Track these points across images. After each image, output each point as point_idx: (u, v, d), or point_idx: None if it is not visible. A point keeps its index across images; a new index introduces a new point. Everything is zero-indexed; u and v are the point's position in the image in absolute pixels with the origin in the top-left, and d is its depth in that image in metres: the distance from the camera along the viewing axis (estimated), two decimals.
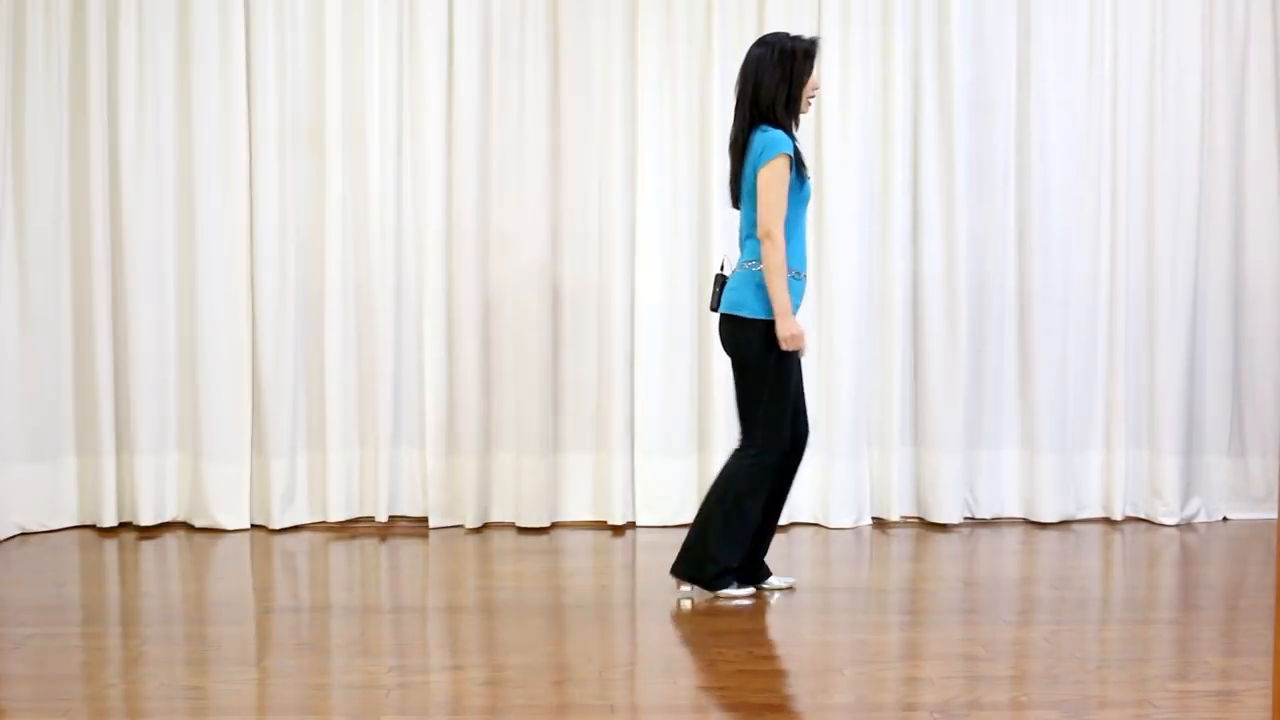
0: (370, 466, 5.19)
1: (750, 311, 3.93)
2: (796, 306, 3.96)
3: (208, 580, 4.48)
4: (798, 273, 3.98)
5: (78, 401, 5.10)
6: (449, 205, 5.15)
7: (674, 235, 5.17)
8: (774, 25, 5.11)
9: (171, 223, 5.11)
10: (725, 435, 5.14)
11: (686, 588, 4.11)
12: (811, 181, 4.11)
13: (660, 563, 4.67)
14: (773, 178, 3.87)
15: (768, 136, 3.90)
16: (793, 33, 4.12)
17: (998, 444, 5.26)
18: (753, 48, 4.02)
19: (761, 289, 3.91)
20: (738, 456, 4.03)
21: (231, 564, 4.69)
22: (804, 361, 5.17)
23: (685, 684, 3.30)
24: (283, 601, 4.18)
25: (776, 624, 3.86)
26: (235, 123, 5.06)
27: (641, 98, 5.14)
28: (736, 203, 4.07)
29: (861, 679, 3.34)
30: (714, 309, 4.07)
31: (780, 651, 3.59)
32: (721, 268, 4.14)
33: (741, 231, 4.05)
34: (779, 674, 3.38)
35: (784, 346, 3.91)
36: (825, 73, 5.12)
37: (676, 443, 5.20)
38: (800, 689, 3.26)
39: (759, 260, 3.91)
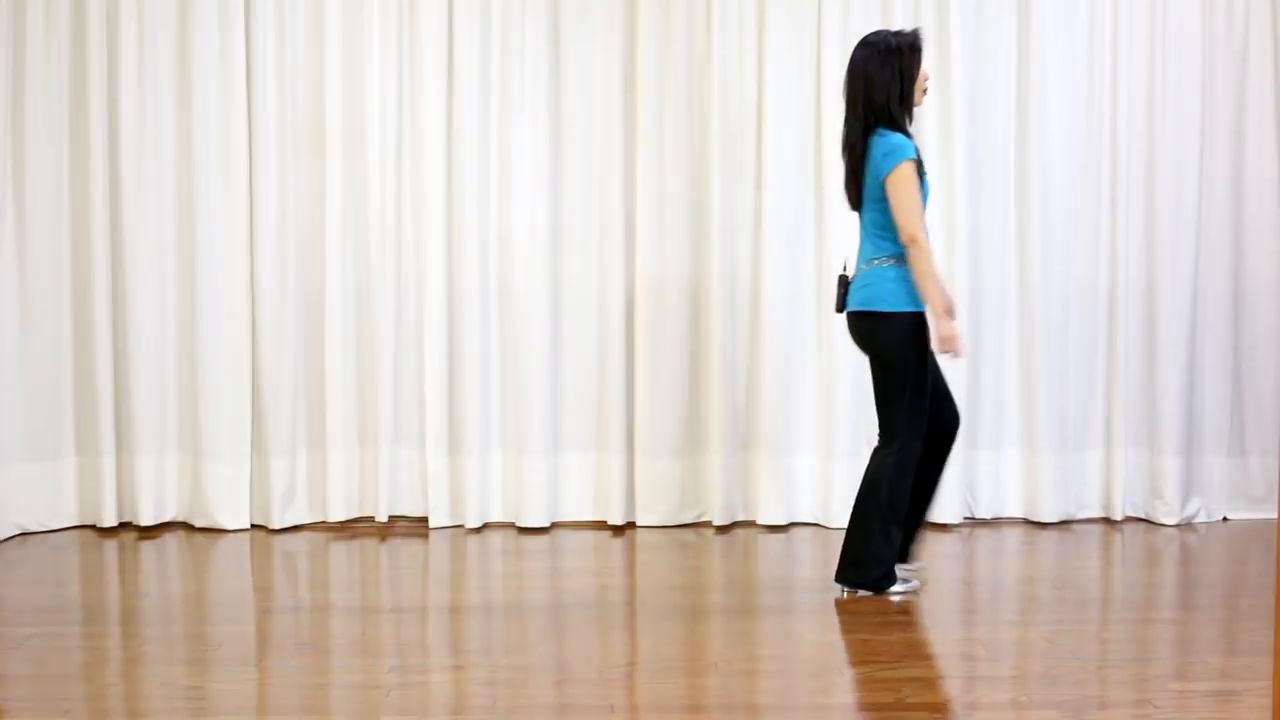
0: (370, 466, 5.19)
1: (887, 305, 3.95)
2: (922, 303, 4.00)
3: (208, 580, 4.49)
4: None
5: (78, 401, 5.10)
6: (449, 205, 5.15)
7: (674, 235, 5.17)
8: (774, 25, 5.12)
9: (171, 223, 5.11)
10: (725, 435, 5.15)
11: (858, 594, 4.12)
12: (929, 179, 4.16)
13: (660, 563, 4.67)
14: (902, 183, 3.90)
15: (888, 141, 3.92)
16: (893, 29, 4.15)
17: (998, 444, 5.26)
18: (857, 49, 4.04)
19: (895, 283, 3.94)
20: (880, 456, 4.03)
21: (231, 564, 4.69)
22: (803, 360, 5.20)
23: (685, 684, 3.30)
24: (283, 601, 4.18)
25: (776, 624, 3.86)
26: (235, 123, 5.06)
27: (641, 98, 5.14)
28: (854, 205, 4.08)
29: (861, 679, 3.34)
30: (839, 310, 4.09)
31: (780, 651, 3.59)
32: (844, 268, 4.16)
33: (865, 232, 4.06)
34: (779, 674, 3.39)
35: (942, 349, 3.93)
36: (825, 72, 5.12)
37: (676, 443, 5.20)
38: (800, 689, 3.26)
39: (888, 256, 3.96)
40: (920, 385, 4.00)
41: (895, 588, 4.09)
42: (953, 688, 3.26)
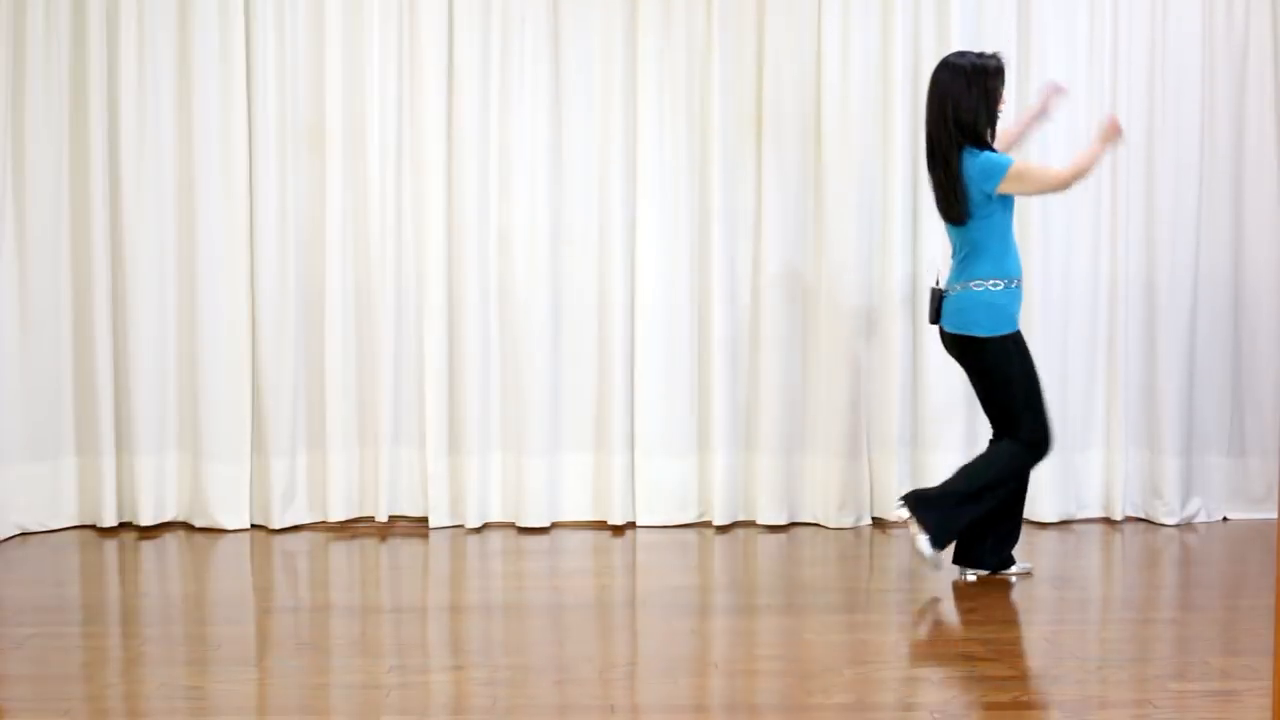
0: (370, 466, 5.19)
1: (984, 331, 4.13)
2: (1017, 313, 4.17)
3: (208, 580, 4.49)
4: (1020, 280, 4.17)
5: (78, 401, 5.10)
6: (449, 205, 5.15)
7: (674, 235, 5.17)
8: (774, 25, 5.11)
9: (171, 223, 5.11)
10: (725, 435, 5.15)
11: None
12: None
13: (660, 563, 4.67)
14: (1022, 180, 4.09)
15: (981, 163, 4.08)
16: (975, 50, 4.32)
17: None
18: (940, 70, 4.19)
19: (988, 308, 4.11)
20: (1007, 443, 4.20)
21: (231, 564, 4.69)
22: (805, 360, 5.20)
23: (685, 684, 3.30)
24: (283, 601, 4.18)
25: (776, 624, 3.86)
26: (235, 123, 5.06)
27: (641, 98, 5.14)
28: (952, 218, 4.18)
29: (861, 679, 3.34)
30: (933, 322, 4.27)
31: (780, 651, 3.59)
32: (937, 282, 4.33)
33: (959, 251, 4.21)
34: (779, 674, 3.39)
35: (1112, 136, 4.16)
36: (825, 72, 5.12)
37: (676, 443, 5.20)
38: (800, 689, 3.26)
39: (980, 279, 4.11)
40: (1031, 396, 4.17)
41: (935, 553, 4.13)
42: (953, 688, 3.26)
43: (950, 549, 4.30)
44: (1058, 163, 4.81)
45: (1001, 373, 4.15)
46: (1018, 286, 4.17)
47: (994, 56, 4.19)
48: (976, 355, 4.17)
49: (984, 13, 5.17)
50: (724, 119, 5.13)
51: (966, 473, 4.21)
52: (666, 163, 5.16)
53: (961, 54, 4.22)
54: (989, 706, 3.12)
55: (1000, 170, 4.05)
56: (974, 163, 4.08)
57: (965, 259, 4.18)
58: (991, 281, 4.12)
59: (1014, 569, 4.34)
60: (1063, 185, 4.14)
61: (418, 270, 5.17)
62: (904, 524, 4.27)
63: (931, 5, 5.15)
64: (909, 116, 5.15)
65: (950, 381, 5.13)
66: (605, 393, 5.19)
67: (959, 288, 4.17)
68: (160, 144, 5.08)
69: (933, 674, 3.38)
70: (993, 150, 4.14)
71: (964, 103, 4.11)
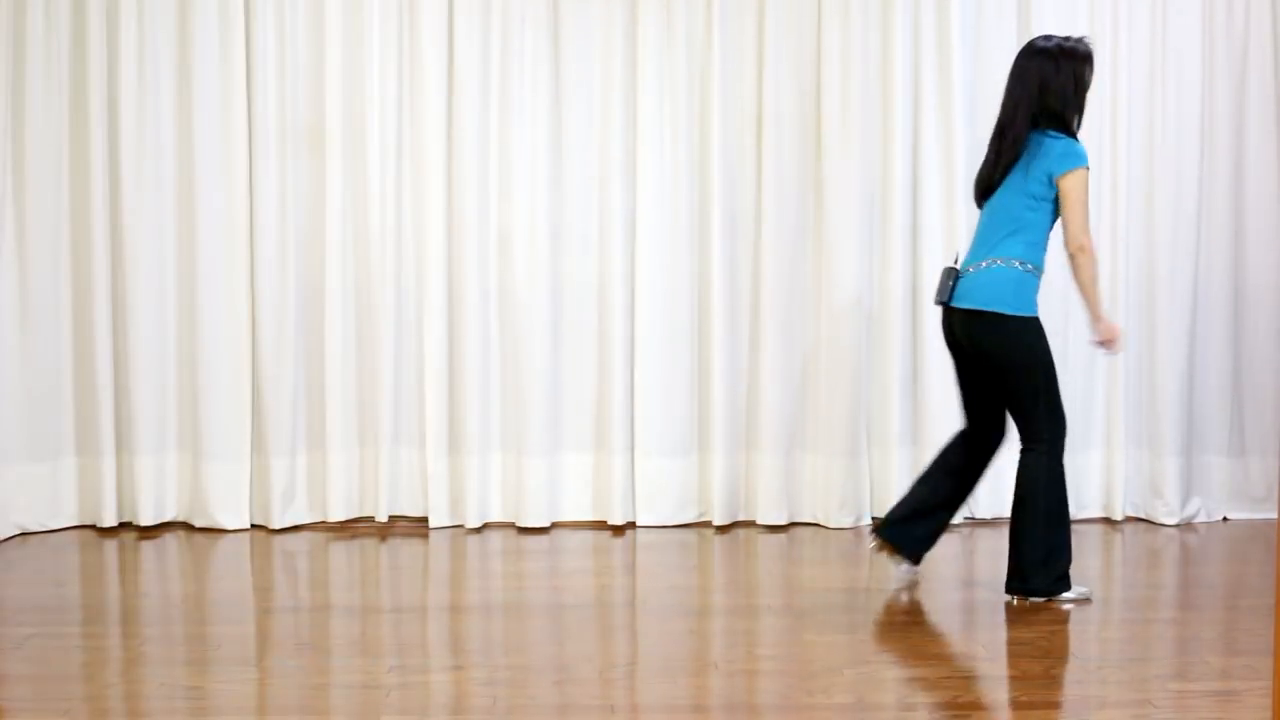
0: (370, 466, 5.19)
1: (1011, 309, 3.93)
2: (1036, 303, 4.02)
3: (208, 580, 4.49)
4: (1042, 273, 4.04)
5: (78, 401, 5.10)
6: (449, 205, 5.15)
7: (674, 235, 5.17)
8: (774, 25, 5.11)
9: (171, 223, 5.11)
10: (725, 435, 5.14)
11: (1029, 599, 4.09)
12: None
13: (660, 563, 4.67)
14: (1080, 188, 3.90)
15: (1068, 145, 3.92)
16: (1061, 35, 4.14)
17: None
18: (1027, 55, 4.02)
19: (1017, 284, 3.93)
20: (1032, 457, 4.02)
21: (231, 564, 4.69)
22: (805, 360, 5.20)
23: (685, 684, 3.30)
24: (283, 601, 4.19)
25: (777, 624, 3.86)
26: (235, 123, 5.05)
27: (641, 98, 5.14)
28: (986, 193, 4.04)
29: (861, 679, 3.34)
30: (940, 302, 4.06)
31: (780, 651, 3.59)
32: (955, 260, 4.15)
33: (991, 228, 4.02)
34: (779, 674, 3.39)
35: (1110, 346, 4.05)
36: (825, 72, 5.12)
37: (676, 443, 5.20)
38: (800, 689, 3.26)
39: (1014, 259, 3.94)
40: (1050, 383, 4.01)
41: (1067, 594, 4.01)
42: (953, 688, 3.26)
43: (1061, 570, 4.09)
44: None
45: (1022, 356, 3.96)
46: (1040, 276, 4.03)
47: (1082, 41, 4.02)
48: (995, 336, 3.95)
49: (984, 13, 5.17)
50: (724, 119, 5.13)
51: (1028, 520, 3.99)
52: (666, 163, 5.16)
53: (1048, 37, 4.05)
54: (989, 706, 3.12)
55: (1080, 160, 3.88)
56: (1056, 144, 3.91)
57: (996, 237, 3.98)
58: (1020, 262, 3.95)
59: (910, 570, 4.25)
60: (1077, 239, 3.91)
61: (418, 270, 5.17)
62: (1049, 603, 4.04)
63: (931, 5, 5.15)
64: (909, 116, 5.15)
65: (950, 381, 5.12)
66: (605, 393, 5.19)
67: (985, 264, 3.98)
68: (160, 144, 5.08)
69: (933, 674, 3.38)
70: (1077, 139, 3.97)
71: (1053, 85, 3.94)
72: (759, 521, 5.18)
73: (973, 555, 4.76)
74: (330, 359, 5.12)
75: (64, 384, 5.07)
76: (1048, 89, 3.95)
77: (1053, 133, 3.95)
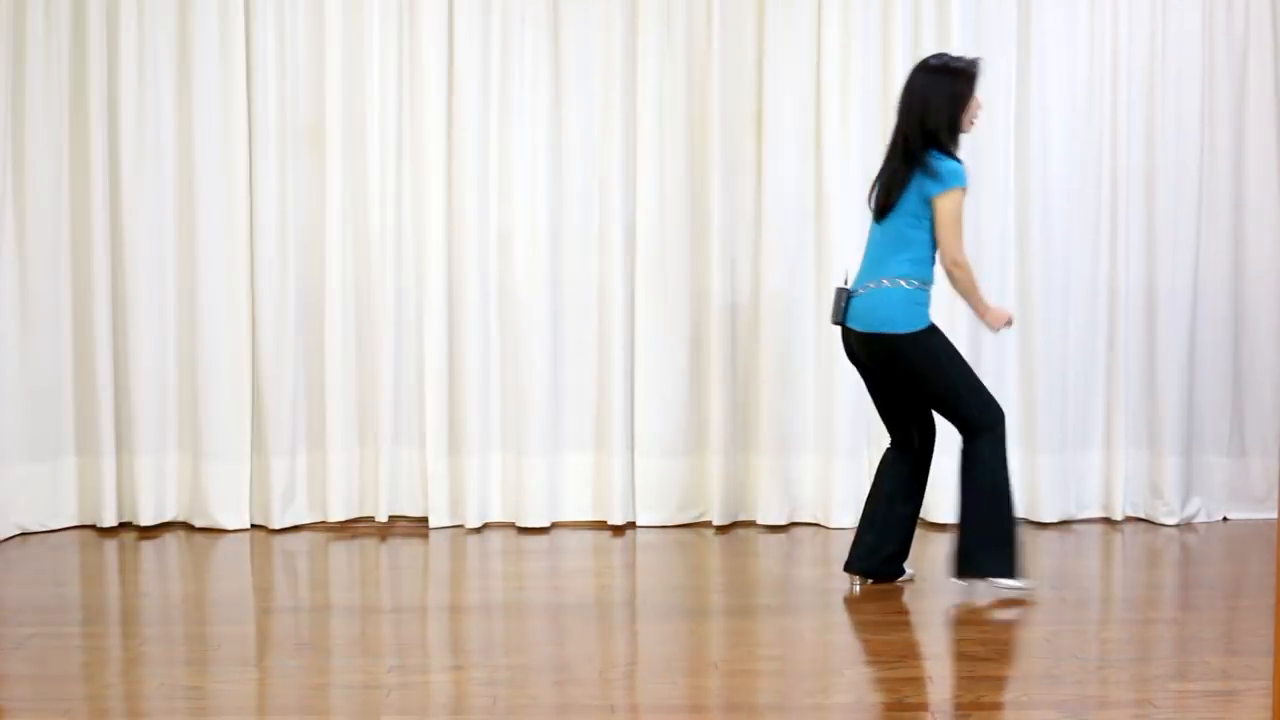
0: (370, 466, 5.19)
1: (902, 328, 4.00)
2: (928, 314, 4.06)
3: (208, 580, 4.49)
4: (931, 286, 4.08)
5: (78, 401, 5.10)
6: (449, 205, 5.15)
7: (674, 235, 5.17)
8: (774, 25, 5.11)
9: (171, 223, 5.11)
10: (725, 435, 5.14)
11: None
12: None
13: (660, 563, 4.67)
14: (952, 209, 3.96)
15: (946, 166, 3.97)
16: (953, 54, 4.22)
17: None
18: (916, 72, 4.10)
19: (905, 304, 4.00)
20: (977, 446, 4.06)
21: (231, 564, 4.69)
22: (803, 360, 5.20)
23: (685, 684, 3.30)
24: (283, 601, 4.19)
25: (776, 624, 3.86)
26: (235, 123, 5.05)
27: (641, 98, 5.14)
28: (880, 215, 4.09)
29: (861, 679, 3.34)
30: (836, 322, 4.14)
31: (780, 651, 3.59)
32: (845, 280, 4.20)
33: (879, 247, 4.08)
34: (779, 674, 3.39)
35: (999, 326, 4.14)
36: (824, 73, 5.12)
37: (676, 443, 5.20)
38: (800, 689, 3.26)
39: (898, 278, 4.00)
40: (963, 376, 4.06)
41: (1013, 582, 4.04)
42: (953, 688, 3.26)
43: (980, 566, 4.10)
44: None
45: (928, 366, 4.02)
46: (929, 289, 4.05)
47: (970, 61, 4.08)
48: (900, 354, 4.02)
49: (984, 13, 5.17)
50: (724, 119, 5.13)
51: (970, 499, 4.06)
52: (666, 163, 5.16)
53: (938, 56, 4.16)
54: (989, 706, 3.12)
55: (955, 181, 3.94)
56: (938, 166, 3.97)
57: (882, 257, 4.04)
58: (905, 280, 4.00)
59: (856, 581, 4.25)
60: (953, 257, 3.98)
61: (418, 270, 5.17)
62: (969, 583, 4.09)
63: (931, 5, 5.15)
64: None
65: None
66: (605, 393, 5.19)
67: (873, 285, 4.04)
68: (160, 144, 5.08)
69: (933, 674, 3.38)
70: (957, 160, 4.02)
71: (932, 104, 4.01)
72: (759, 521, 5.19)
73: None
74: (330, 359, 5.12)
75: (64, 384, 5.08)
76: (928, 107, 4.02)
77: (936, 153, 4.00)
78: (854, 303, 4.08)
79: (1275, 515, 5.01)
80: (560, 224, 5.18)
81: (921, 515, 5.17)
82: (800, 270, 5.19)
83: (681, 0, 5.14)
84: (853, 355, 4.18)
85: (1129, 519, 5.26)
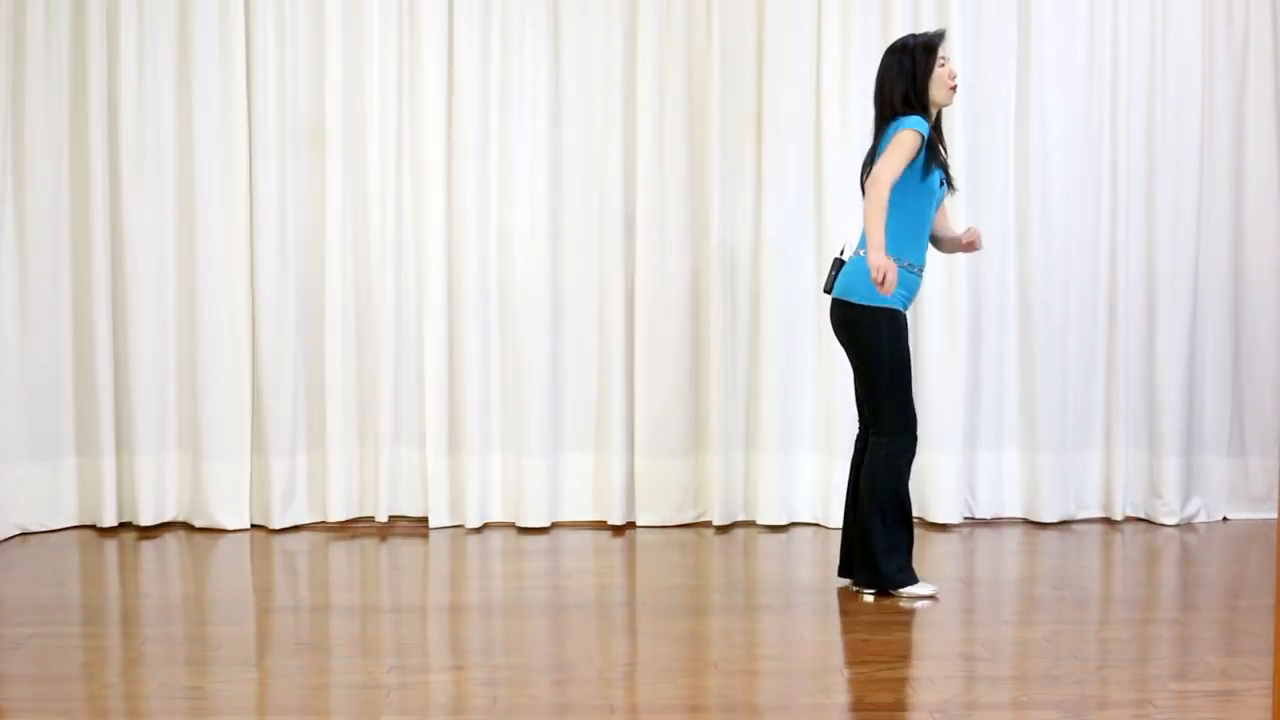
0: (370, 466, 5.19)
1: (860, 298, 3.98)
2: (908, 301, 4.03)
3: (208, 580, 4.49)
4: (911, 265, 4.03)
5: (78, 401, 5.10)
6: (449, 205, 5.15)
7: (674, 234, 5.17)
8: (774, 25, 5.12)
9: (171, 223, 5.11)
10: (725, 435, 5.15)
11: (869, 594, 4.11)
12: (945, 188, 4.12)
13: (660, 563, 4.67)
14: (896, 143, 3.91)
15: (902, 119, 3.95)
16: (919, 32, 4.26)
17: (998, 444, 5.26)
18: (885, 52, 4.13)
19: (869, 275, 3.90)
20: (872, 452, 4.05)
21: (231, 564, 4.69)
22: (803, 360, 5.20)
23: (685, 684, 3.30)
24: (283, 601, 4.18)
25: (776, 624, 3.86)
26: (235, 123, 5.06)
27: (641, 98, 5.14)
28: (862, 185, 4.11)
29: (861, 679, 3.34)
30: (826, 290, 4.13)
31: (780, 651, 3.59)
32: (841, 252, 4.18)
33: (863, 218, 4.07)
34: (779, 674, 3.39)
35: (873, 277, 3.85)
36: (824, 73, 5.12)
37: (676, 443, 5.20)
38: (800, 689, 3.26)
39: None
40: (898, 382, 4.01)
41: (911, 589, 4.06)
42: (953, 688, 3.26)
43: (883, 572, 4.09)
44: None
45: (869, 345, 3.99)
46: (910, 270, 4.02)
47: (931, 34, 4.08)
48: (848, 323, 4.01)
49: (984, 13, 5.18)
50: (724, 119, 5.13)
51: (867, 507, 4.02)
52: (666, 163, 5.16)
53: (902, 37, 4.17)
54: (989, 706, 3.12)
55: (905, 124, 3.91)
56: (891, 126, 3.97)
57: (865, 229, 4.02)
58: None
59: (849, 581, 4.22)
60: (874, 189, 3.87)
61: (418, 270, 5.18)
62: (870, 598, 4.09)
63: (931, 5, 5.15)
64: None
65: (949, 381, 5.14)
66: (605, 393, 5.19)
67: (856, 254, 4.03)
68: (160, 144, 5.08)
69: (933, 674, 3.38)
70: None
71: (887, 80, 4.03)
72: (759, 521, 5.19)
73: (972, 555, 4.76)
74: (330, 359, 5.12)
75: (64, 384, 5.08)
76: (883, 83, 4.05)
77: (893, 122, 3.99)
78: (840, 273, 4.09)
79: (1275, 515, 5.01)
80: (560, 224, 5.19)
81: (920, 515, 5.20)
82: (800, 270, 5.18)
83: (681, 0, 5.14)
84: (833, 329, 4.16)
85: (1129, 519, 5.26)
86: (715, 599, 4.19)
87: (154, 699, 3.20)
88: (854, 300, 4.00)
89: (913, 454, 4.08)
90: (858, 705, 3.14)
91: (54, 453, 5.09)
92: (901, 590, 4.06)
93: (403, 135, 5.16)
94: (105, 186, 5.04)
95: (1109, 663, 3.46)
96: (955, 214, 5.14)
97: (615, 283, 5.16)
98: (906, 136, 3.91)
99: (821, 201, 5.15)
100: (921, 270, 4.08)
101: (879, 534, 4.03)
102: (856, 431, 4.23)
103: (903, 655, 3.55)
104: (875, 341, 4.00)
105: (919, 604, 4.01)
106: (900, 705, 3.15)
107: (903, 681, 3.32)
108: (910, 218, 4.01)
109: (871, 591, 4.10)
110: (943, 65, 4.03)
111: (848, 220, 5.10)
